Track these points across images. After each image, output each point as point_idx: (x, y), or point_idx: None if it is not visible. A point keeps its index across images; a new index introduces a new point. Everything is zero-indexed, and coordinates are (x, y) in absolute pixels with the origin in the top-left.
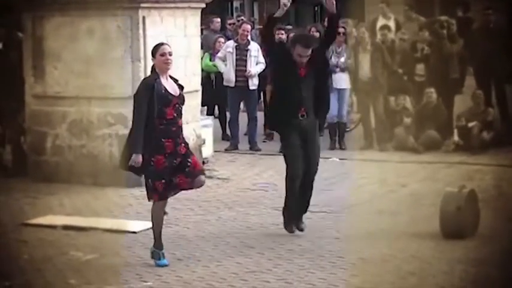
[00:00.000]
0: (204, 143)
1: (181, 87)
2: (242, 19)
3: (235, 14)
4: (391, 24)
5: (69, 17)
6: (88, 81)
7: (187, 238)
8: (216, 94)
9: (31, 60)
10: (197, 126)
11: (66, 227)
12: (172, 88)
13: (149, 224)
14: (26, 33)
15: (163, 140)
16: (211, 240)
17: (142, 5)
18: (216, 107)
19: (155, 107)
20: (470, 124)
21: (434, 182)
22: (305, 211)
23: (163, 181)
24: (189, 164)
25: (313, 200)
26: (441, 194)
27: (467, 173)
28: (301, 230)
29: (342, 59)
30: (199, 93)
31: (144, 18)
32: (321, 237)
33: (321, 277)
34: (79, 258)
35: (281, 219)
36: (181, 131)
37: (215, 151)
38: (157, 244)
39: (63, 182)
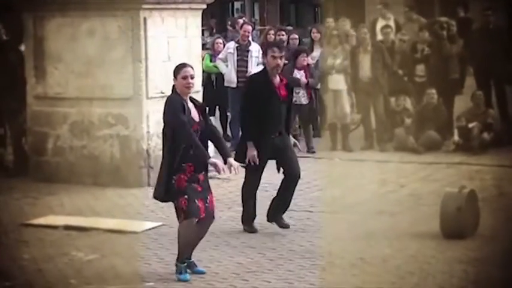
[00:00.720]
0: None
1: (202, 109)
2: (244, 20)
3: (236, 15)
4: (391, 24)
5: (69, 18)
6: (89, 81)
7: None
8: (216, 95)
9: (32, 61)
10: None
11: (67, 227)
12: (194, 113)
13: (151, 224)
14: (27, 33)
15: (183, 164)
16: (212, 240)
17: (144, 5)
18: (217, 108)
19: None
20: (471, 125)
21: (435, 182)
22: (285, 210)
23: (185, 197)
24: (208, 200)
25: (314, 201)
26: (441, 194)
27: (468, 173)
28: (287, 226)
29: (338, 61)
30: (200, 94)
31: (145, 18)
32: (321, 237)
33: (322, 277)
34: (80, 259)
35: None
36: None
37: (216, 152)
38: (181, 259)
39: (64, 182)
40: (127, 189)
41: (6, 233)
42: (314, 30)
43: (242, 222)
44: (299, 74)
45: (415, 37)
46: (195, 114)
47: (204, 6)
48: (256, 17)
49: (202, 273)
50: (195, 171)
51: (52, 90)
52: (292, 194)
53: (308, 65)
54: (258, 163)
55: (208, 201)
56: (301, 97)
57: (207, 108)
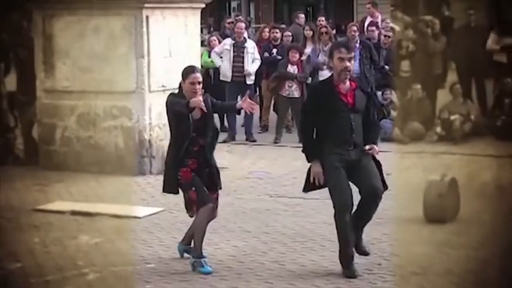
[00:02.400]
0: None
1: (208, 102)
2: (240, 18)
3: (233, 14)
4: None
5: (77, 16)
6: (95, 76)
7: (188, 223)
8: (214, 88)
9: (41, 57)
10: None
11: (74, 213)
12: (195, 110)
13: (152, 210)
14: (36, 31)
15: (186, 159)
16: (210, 224)
17: (146, 5)
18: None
19: (184, 126)
20: (453, 117)
21: (418, 170)
22: (363, 227)
23: (193, 188)
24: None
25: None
26: (424, 181)
27: (449, 162)
28: (367, 254)
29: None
30: None
31: (147, 17)
32: (312, 222)
33: (312, 259)
34: (86, 242)
35: (276, 204)
36: (205, 150)
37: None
38: (198, 253)
39: (71, 170)
40: (130, 177)
41: (17, 218)
42: (306, 27)
43: (339, 260)
44: (292, 69)
45: (400, 35)
46: (197, 111)
47: (203, 6)
48: (252, 15)
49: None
50: (199, 168)
51: (60, 84)
52: (370, 214)
53: (301, 60)
54: (322, 182)
55: (215, 195)
56: (294, 91)
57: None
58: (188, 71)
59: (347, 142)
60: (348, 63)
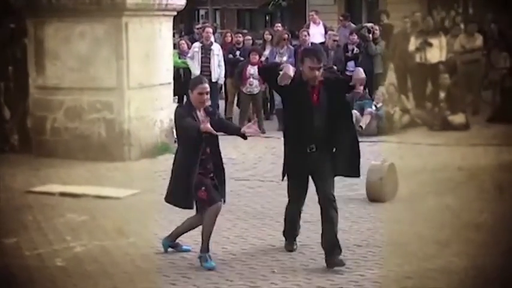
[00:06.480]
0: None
1: (212, 115)
2: (207, 24)
3: (201, 21)
4: (321, 29)
5: (64, 23)
6: (81, 75)
7: (162, 203)
8: (184, 86)
9: (34, 58)
10: (170, 112)
11: (63, 194)
12: (204, 121)
13: (130, 191)
14: (29, 35)
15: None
16: None
17: (125, 13)
18: (185, 96)
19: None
20: (392, 110)
21: (362, 157)
22: (337, 245)
23: (203, 188)
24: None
25: (265, 172)
26: (367, 166)
27: (389, 149)
28: (343, 264)
29: (285, 58)
30: (172, 85)
31: (126, 24)
32: (271, 201)
33: (270, 234)
34: (74, 219)
35: (239, 186)
36: (211, 159)
37: None
38: (205, 248)
39: (61, 157)
40: (112, 163)
41: (13, 199)
42: (266, 32)
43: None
44: (253, 69)
45: (346, 39)
46: (205, 122)
47: (175, 13)
48: (218, 22)
49: (188, 251)
50: (206, 172)
51: (50, 82)
52: (334, 219)
53: (261, 61)
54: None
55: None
56: (254, 88)
57: (177, 97)
58: (196, 82)
59: (311, 142)
60: (316, 73)
